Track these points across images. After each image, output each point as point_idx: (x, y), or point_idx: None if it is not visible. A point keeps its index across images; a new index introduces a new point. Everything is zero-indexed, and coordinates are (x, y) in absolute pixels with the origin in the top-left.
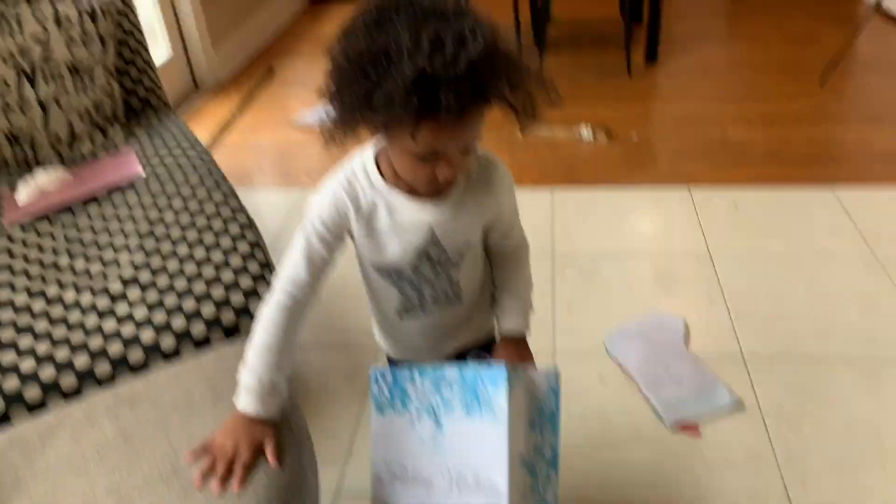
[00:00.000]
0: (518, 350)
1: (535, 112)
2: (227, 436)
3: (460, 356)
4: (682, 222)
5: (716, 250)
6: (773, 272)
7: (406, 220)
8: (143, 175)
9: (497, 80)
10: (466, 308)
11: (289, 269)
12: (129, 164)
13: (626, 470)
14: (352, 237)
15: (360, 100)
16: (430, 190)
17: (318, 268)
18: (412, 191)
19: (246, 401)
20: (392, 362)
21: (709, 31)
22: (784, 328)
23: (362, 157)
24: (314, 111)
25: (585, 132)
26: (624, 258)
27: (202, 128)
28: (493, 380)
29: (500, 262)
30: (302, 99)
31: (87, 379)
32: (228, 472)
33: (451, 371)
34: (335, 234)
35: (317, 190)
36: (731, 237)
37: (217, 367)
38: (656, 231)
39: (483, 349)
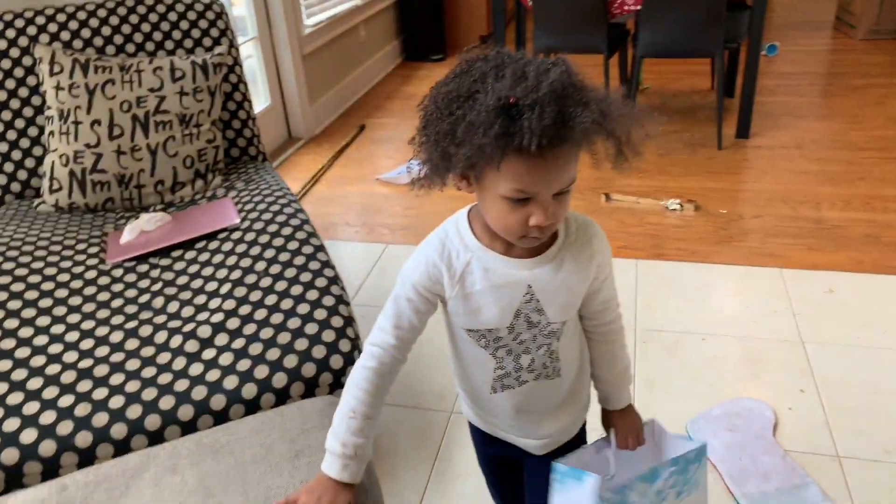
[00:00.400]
0: (635, 420)
1: (633, 148)
2: (310, 494)
3: (551, 455)
4: (772, 304)
5: (808, 336)
6: (872, 364)
7: (502, 279)
8: (239, 223)
9: (583, 110)
10: (565, 387)
11: (377, 334)
12: (227, 212)
13: None
14: (443, 302)
15: (444, 134)
16: (524, 240)
17: (405, 334)
18: (508, 249)
19: (331, 465)
20: (483, 436)
21: (804, 106)
22: (884, 428)
23: (455, 219)
24: (400, 168)
25: (673, 204)
26: (710, 338)
27: (293, 178)
28: (698, 457)
29: (602, 334)
30: (389, 155)
31: (171, 421)
32: None
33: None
34: (426, 301)
35: (411, 256)
36: (826, 323)
37: (297, 422)
38: (745, 311)
39: (570, 446)
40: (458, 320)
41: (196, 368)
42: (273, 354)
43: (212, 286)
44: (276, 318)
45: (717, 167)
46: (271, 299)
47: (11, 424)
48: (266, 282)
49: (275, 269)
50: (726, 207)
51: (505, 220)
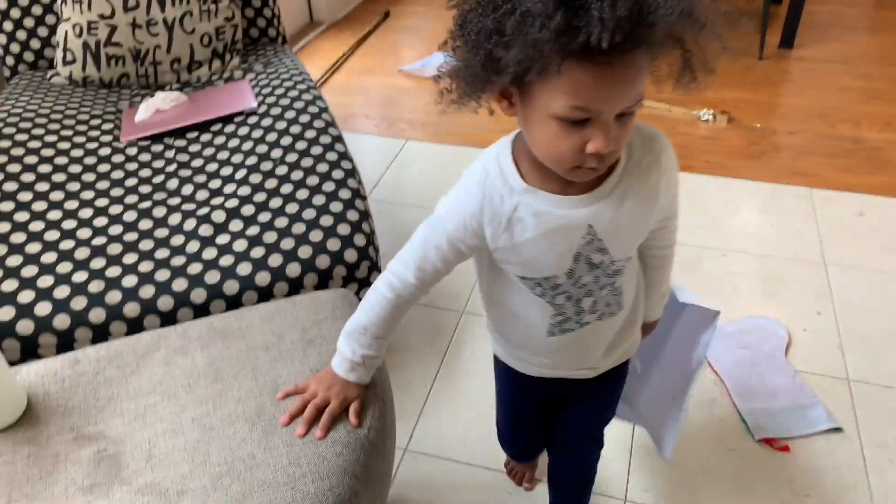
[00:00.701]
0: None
1: (705, 65)
2: (320, 384)
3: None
4: (798, 224)
5: (832, 259)
6: (894, 292)
7: (558, 223)
8: (256, 107)
9: (666, 7)
10: (625, 317)
11: (399, 267)
12: (244, 95)
13: (705, 479)
14: (484, 251)
15: (488, 33)
16: (577, 172)
17: (429, 276)
18: (563, 187)
19: (340, 364)
20: (525, 381)
21: (854, 19)
22: None
23: (496, 154)
24: (424, 60)
25: (705, 114)
26: (730, 254)
27: (313, 65)
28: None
29: (659, 258)
30: (413, 46)
31: (183, 303)
32: (315, 418)
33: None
34: (457, 251)
35: (447, 194)
36: (851, 247)
37: (309, 312)
38: (769, 230)
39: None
40: (505, 268)
41: (209, 253)
42: (287, 244)
43: (227, 171)
44: (291, 208)
45: (755, 78)
46: (287, 188)
47: (26, 296)
48: (282, 170)
49: (291, 157)
50: (761, 121)
51: (556, 147)
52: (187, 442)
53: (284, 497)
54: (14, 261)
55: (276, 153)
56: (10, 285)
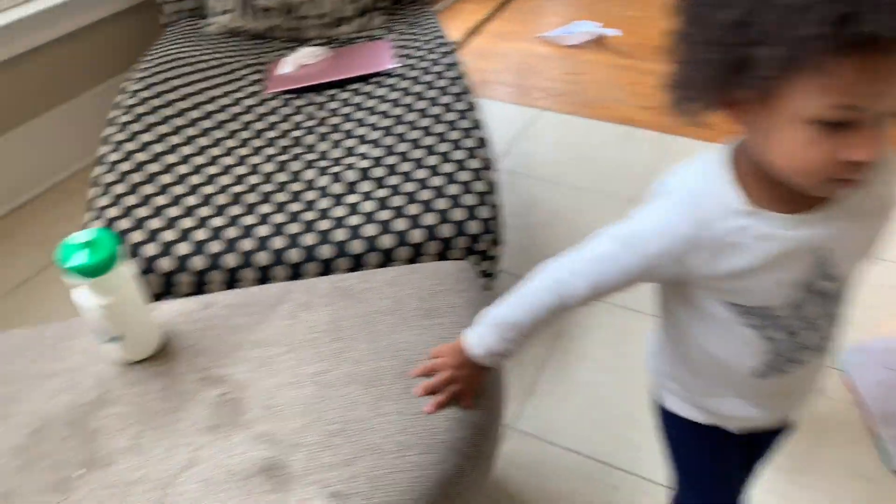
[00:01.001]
0: None
1: None
2: (452, 358)
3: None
4: None
5: None
6: None
7: (787, 246)
8: (395, 69)
9: None
10: (826, 354)
11: (569, 276)
12: (384, 56)
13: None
14: (675, 281)
15: (730, 27)
16: (828, 186)
17: (603, 292)
18: (794, 206)
19: (478, 348)
20: (715, 436)
21: None
22: None
23: (704, 172)
24: (565, 28)
25: None
26: (887, 263)
27: (454, 27)
28: None
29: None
30: (556, 12)
31: (310, 258)
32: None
33: None
34: (650, 276)
35: (644, 207)
36: None
37: (430, 281)
38: None
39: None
40: (701, 296)
41: (339, 211)
42: (413, 209)
43: (361, 131)
44: (420, 174)
45: None
46: (417, 153)
47: (169, 235)
48: (414, 134)
49: (424, 122)
50: None
51: (807, 156)
52: (304, 397)
53: (391, 464)
54: (161, 200)
55: (411, 116)
56: (156, 223)
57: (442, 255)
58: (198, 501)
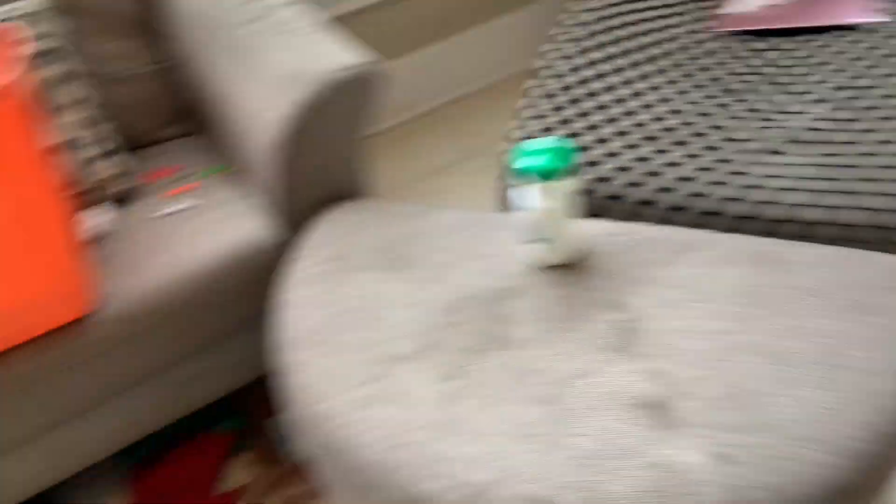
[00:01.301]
0: None
1: None
2: None
3: None
4: None
5: None
6: None
7: None
8: (886, 22)
9: None
10: None
11: None
12: (869, 5)
13: None
14: None
15: None
16: None
17: None
18: None
19: None
20: None
21: None
22: None
23: None
24: None
25: None
26: None
27: None
28: None
29: None
30: None
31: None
32: None
33: None
34: None
35: None
36: None
37: (868, 274)
38: None
39: None
40: None
41: (770, 170)
42: (868, 187)
43: (826, 88)
44: (875, 149)
45: None
46: (888, 125)
47: (617, 161)
48: (888, 103)
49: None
50: None
51: None
52: (700, 349)
53: (790, 452)
54: (609, 129)
55: (880, 89)
56: (610, 148)
57: (879, 246)
58: (583, 411)
